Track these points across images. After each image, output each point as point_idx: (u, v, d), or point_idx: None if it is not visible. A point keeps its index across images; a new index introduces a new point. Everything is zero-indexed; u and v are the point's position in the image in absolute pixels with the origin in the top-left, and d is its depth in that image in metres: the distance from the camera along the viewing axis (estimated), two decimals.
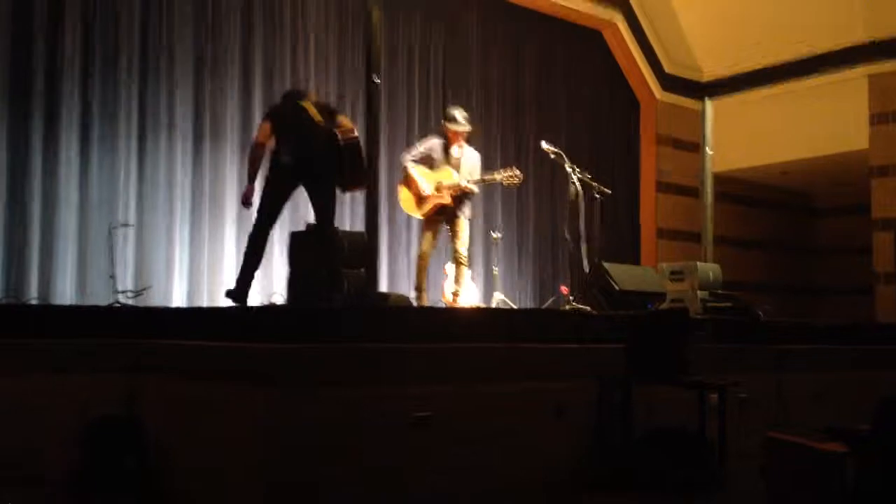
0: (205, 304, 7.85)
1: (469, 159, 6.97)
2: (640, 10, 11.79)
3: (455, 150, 6.94)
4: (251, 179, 5.83)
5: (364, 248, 5.94)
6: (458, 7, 10.38)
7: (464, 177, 6.85)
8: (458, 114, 6.93)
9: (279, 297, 7.13)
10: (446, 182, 6.85)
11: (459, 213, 6.94)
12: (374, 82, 6.68)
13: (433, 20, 10.19)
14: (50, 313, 5.47)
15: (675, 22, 11.94)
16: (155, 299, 7.49)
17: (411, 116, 9.90)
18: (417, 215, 7.09)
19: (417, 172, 6.91)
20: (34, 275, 7.17)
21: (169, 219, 7.93)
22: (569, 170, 6.89)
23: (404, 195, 7.01)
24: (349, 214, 9.20)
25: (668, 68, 12.19)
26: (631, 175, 12.11)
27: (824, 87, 11.19)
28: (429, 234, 7.01)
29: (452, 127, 6.89)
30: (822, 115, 11.24)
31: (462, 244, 6.99)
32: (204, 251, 8.13)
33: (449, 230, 7.02)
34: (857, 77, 10.88)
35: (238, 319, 5.12)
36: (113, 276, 6.25)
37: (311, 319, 4.45)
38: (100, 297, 7.02)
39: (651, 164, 12.15)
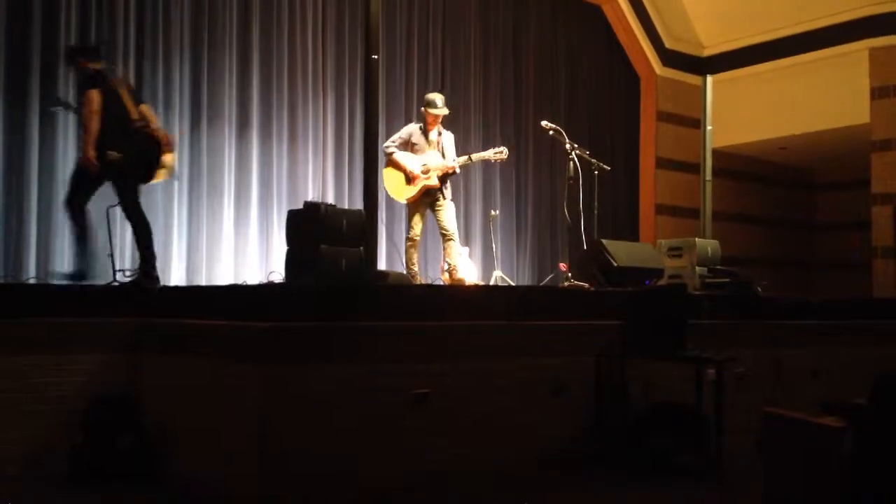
0: (203, 282, 7.86)
1: (447, 141, 7.16)
2: None
3: (433, 134, 7.11)
4: (94, 143, 5.77)
5: (362, 227, 5.94)
6: None
7: (448, 158, 7.00)
8: (438, 99, 7.11)
9: (277, 275, 7.13)
10: (433, 164, 6.92)
11: (442, 194, 7.03)
12: (372, 58, 6.67)
13: None
14: (48, 293, 5.47)
15: None
16: None
17: (409, 94, 9.85)
18: (402, 200, 7.14)
19: (403, 157, 7.04)
20: (32, 254, 7.18)
21: (167, 198, 7.91)
22: (568, 147, 6.93)
23: (390, 181, 7.10)
24: (347, 193, 9.17)
25: (668, 43, 12.11)
26: (630, 151, 12.08)
27: (825, 61, 11.13)
28: (417, 217, 7.14)
29: (433, 111, 7.07)
30: (822, 90, 11.19)
31: (448, 221, 7.05)
32: (202, 230, 8.13)
33: (432, 212, 7.09)
34: (857, 51, 10.81)
35: (236, 297, 5.12)
36: (111, 256, 6.25)
37: (309, 297, 4.45)
38: (98, 277, 7.02)
39: (651, 140, 12.11)
